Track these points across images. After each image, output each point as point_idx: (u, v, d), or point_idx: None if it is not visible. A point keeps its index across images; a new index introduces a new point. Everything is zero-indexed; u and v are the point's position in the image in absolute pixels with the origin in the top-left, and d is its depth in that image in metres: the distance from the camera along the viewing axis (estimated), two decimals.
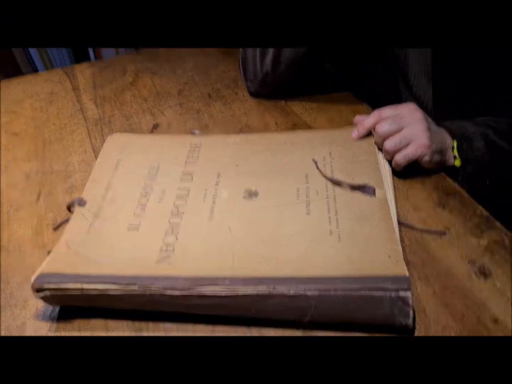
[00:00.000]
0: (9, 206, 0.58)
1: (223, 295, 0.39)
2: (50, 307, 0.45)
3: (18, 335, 0.43)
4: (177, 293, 0.40)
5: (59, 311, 0.45)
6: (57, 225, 0.53)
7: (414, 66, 0.64)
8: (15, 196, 0.59)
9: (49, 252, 0.46)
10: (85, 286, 0.41)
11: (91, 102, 0.76)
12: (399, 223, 0.49)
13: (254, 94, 0.72)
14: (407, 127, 0.52)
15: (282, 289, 0.39)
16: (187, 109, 0.72)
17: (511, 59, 0.56)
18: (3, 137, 0.70)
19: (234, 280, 0.40)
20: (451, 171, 0.55)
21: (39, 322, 0.44)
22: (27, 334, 0.43)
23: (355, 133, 0.56)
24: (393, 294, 0.38)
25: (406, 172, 0.54)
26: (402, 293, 0.38)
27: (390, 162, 0.54)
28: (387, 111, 0.54)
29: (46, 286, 0.41)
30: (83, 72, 0.84)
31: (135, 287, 0.40)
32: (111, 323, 0.43)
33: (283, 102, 0.70)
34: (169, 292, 0.40)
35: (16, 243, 0.52)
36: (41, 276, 0.42)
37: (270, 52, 0.64)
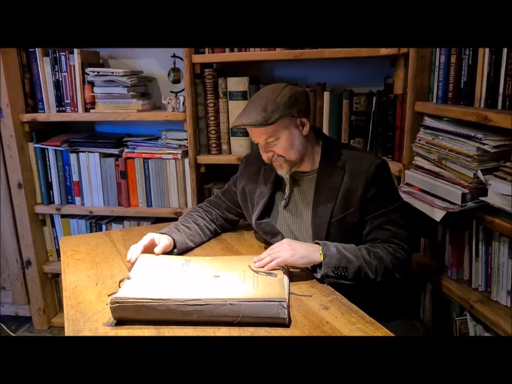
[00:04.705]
0: (80, 287, 1.04)
1: (202, 303, 0.86)
2: (110, 321, 0.89)
3: (92, 334, 0.86)
4: (179, 302, 0.86)
5: (115, 324, 0.89)
6: (111, 293, 0.99)
7: None
8: (83, 284, 1.06)
9: (110, 295, 0.92)
10: (137, 300, 0.87)
11: (123, 247, 1.28)
12: (290, 292, 0.99)
13: None
14: (276, 253, 1.06)
15: (228, 301, 0.87)
16: None
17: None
18: (70, 262, 1.19)
19: (207, 299, 0.88)
20: (320, 264, 1.07)
21: (104, 327, 0.88)
22: (99, 332, 0.86)
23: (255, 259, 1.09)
24: (278, 303, 0.86)
25: (298, 274, 1.06)
26: (282, 303, 0.86)
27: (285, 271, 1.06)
28: (268, 250, 1.09)
29: (117, 300, 0.87)
30: (116, 234, 1.39)
31: (160, 301, 0.87)
32: (143, 326, 0.87)
33: None
34: (177, 302, 0.86)
35: (87, 301, 0.98)
36: (114, 297, 0.88)
37: None
